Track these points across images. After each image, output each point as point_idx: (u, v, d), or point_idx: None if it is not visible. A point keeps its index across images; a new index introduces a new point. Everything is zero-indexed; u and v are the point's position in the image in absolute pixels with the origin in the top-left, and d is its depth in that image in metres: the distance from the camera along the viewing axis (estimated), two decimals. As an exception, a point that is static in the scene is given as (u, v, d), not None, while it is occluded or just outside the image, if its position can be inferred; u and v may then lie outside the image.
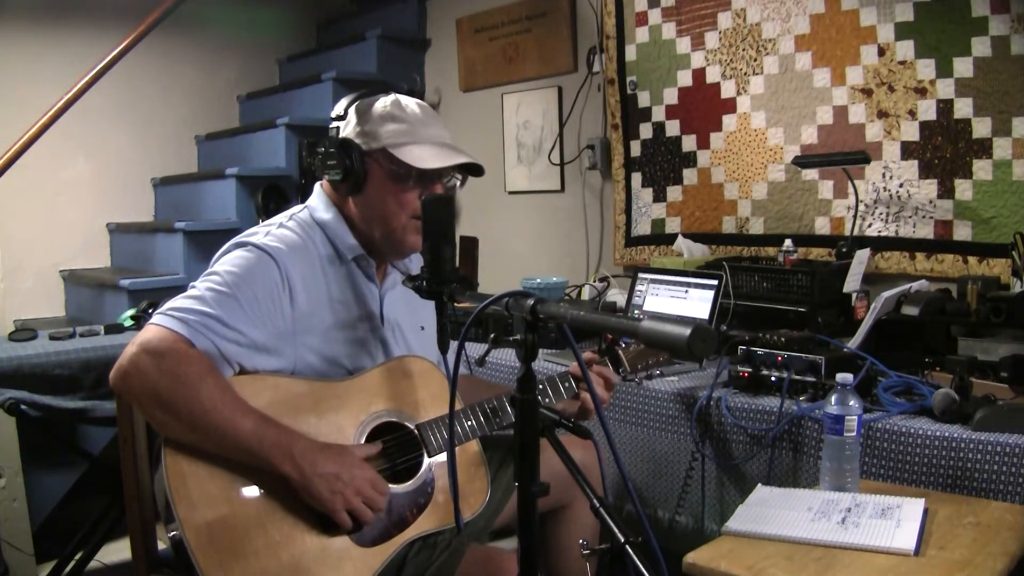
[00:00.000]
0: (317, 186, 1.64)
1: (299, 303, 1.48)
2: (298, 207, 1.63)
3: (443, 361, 1.67)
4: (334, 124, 1.57)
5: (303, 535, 1.38)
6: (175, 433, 1.35)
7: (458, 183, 1.63)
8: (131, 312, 2.88)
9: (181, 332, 1.35)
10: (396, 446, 1.52)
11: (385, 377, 1.55)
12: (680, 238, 2.85)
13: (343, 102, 1.58)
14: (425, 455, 1.52)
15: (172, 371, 1.32)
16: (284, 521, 1.38)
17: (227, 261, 1.46)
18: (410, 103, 1.58)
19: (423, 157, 1.52)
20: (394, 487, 1.47)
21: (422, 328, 1.72)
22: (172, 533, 1.34)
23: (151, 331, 1.36)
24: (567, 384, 1.67)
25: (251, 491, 1.38)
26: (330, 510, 1.37)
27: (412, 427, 1.53)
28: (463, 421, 1.55)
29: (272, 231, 1.53)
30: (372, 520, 1.41)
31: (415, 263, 1.72)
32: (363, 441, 1.48)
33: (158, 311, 1.40)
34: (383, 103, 1.57)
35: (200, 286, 1.43)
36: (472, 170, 1.61)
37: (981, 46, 2.25)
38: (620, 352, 1.73)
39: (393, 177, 1.53)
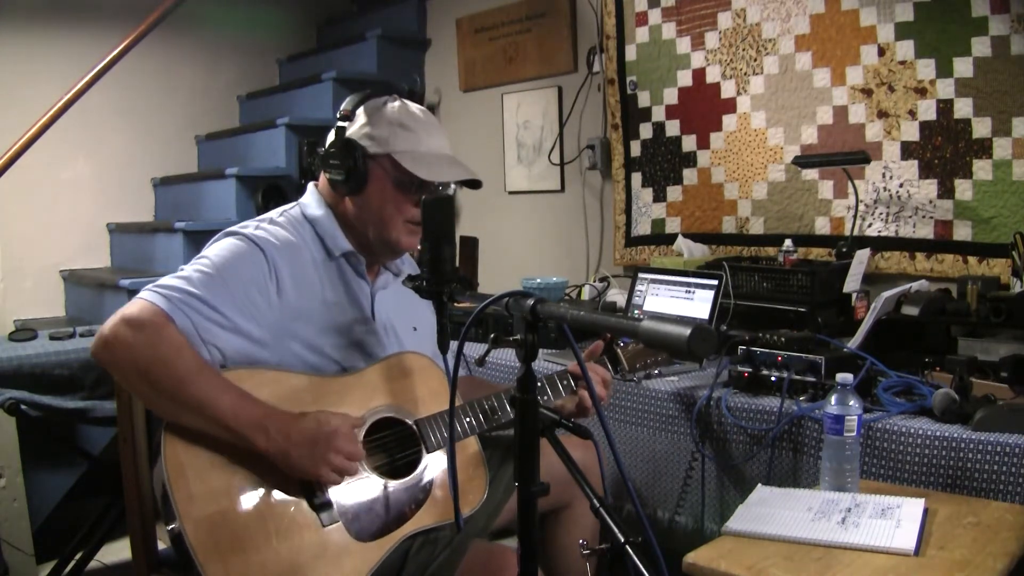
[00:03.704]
0: (311, 184, 1.66)
1: (287, 296, 1.49)
2: (289, 204, 1.64)
3: (442, 360, 1.68)
4: (339, 123, 1.57)
5: (302, 529, 1.39)
6: (158, 406, 1.38)
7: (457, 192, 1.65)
8: (131, 312, 2.87)
9: (162, 307, 1.37)
10: (395, 442, 1.53)
11: (385, 373, 1.56)
12: (680, 238, 2.85)
13: (350, 101, 1.59)
14: (424, 451, 1.53)
15: (150, 341, 1.34)
16: (284, 515, 1.39)
17: (217, 247, 1.50)
18: (417, 110, 1.61)
19: (428, 169, 1.54)
20: (393, 482, 1.49)
21: (414, 329, 1.72)
22: (171, 527, 1.34)
23: (134, 304, 1.39)
24: (565, 382, 1.67)
25: (250, 484, 1.39)
26: (315, 476, 1.39)
27: (411, 423, 1.54)
28: (462, 418, 1.56)
29: (263, 225, 1.56)
30: (357, 472, 1.44)
31: (407, 264, 1.75)
32: (363, 437, 1.48)
33: (145, 287, 1.42)
34: (392, 108, 1.58)
35: (188, 268, 1.45)
36: (470, 183, 1.63)
37: (981, 46, 2.25)
38: (619, 351, 1.73)
39: (395, 183, 1.55)
